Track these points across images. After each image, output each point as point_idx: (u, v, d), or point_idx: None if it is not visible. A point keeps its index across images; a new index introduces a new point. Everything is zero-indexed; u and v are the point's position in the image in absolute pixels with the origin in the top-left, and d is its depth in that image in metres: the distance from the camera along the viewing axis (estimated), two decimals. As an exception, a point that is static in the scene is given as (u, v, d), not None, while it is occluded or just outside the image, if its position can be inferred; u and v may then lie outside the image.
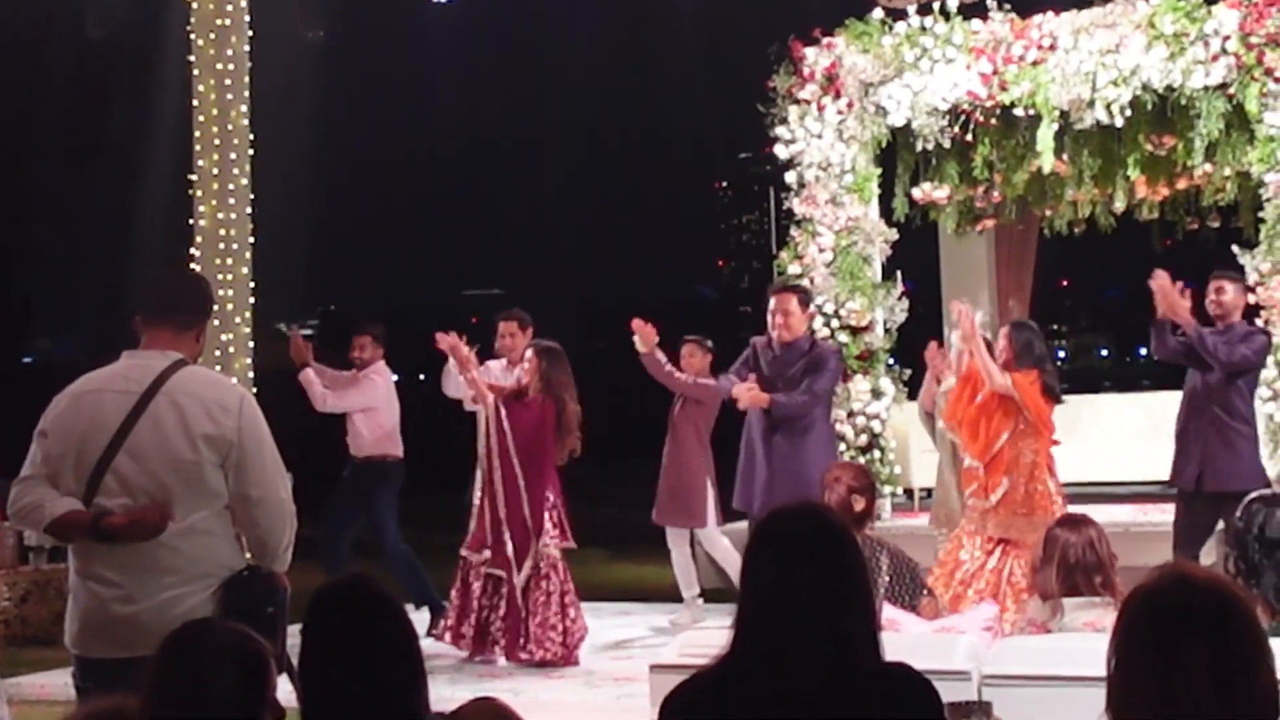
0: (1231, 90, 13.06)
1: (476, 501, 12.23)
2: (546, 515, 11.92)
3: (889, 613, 7.51)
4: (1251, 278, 12.69)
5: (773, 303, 11.31)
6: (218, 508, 5.80)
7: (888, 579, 8.13)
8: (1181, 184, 15.17)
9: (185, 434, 5.72)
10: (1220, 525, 11.06)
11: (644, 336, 12.30)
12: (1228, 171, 14.11)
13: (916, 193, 15.00)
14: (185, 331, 6.01)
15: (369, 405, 13.44)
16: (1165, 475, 11.68)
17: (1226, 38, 12.95)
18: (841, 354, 12.62)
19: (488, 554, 11.98)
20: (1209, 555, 11.22)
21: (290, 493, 6.04)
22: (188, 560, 5.71)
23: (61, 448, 5.78)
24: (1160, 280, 10.90)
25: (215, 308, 6.83)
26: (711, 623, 12.74)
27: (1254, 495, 6.56)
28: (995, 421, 10.86)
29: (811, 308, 12.25)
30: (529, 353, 12.14)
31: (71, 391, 5.93)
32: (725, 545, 13.46)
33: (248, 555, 6.02)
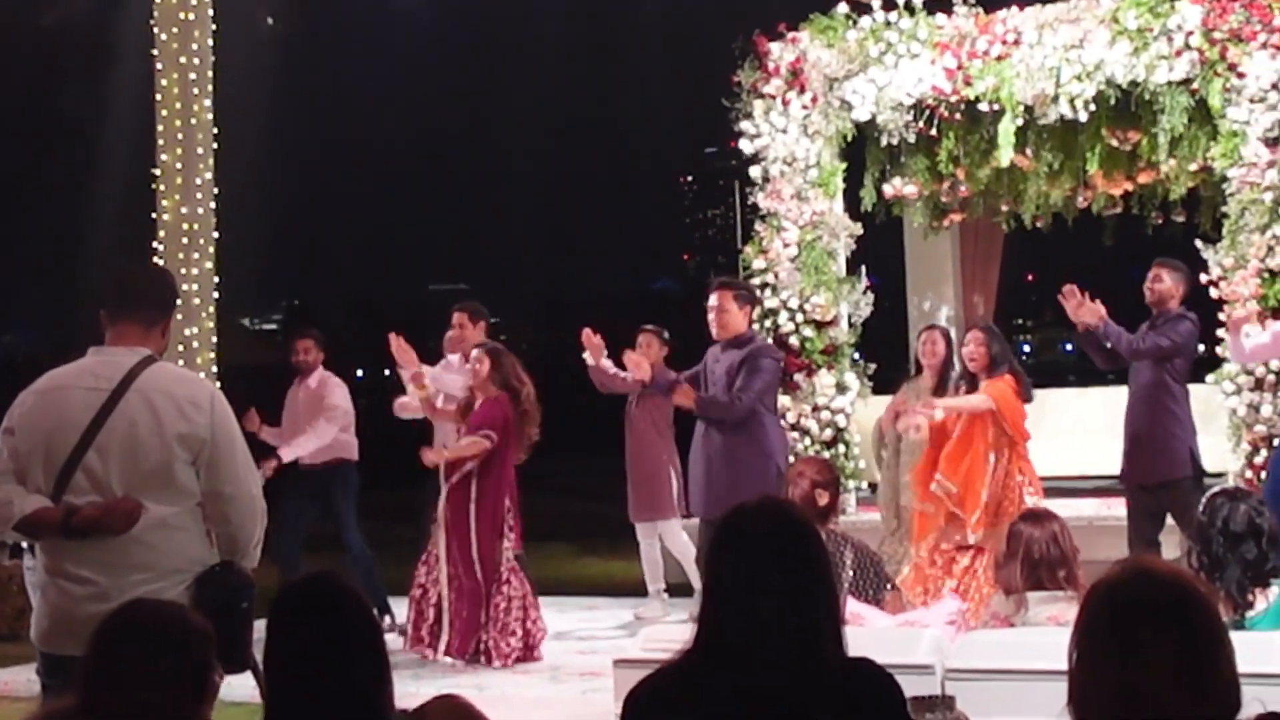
0: (1195, 85, 13.08)
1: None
2: (506, 520, 11.94)
3: (853, 607, 7.53)
4: (1214, 272, 12.75)
5: (711, 299, 11.31)
6: (189, 504, 5.78)
7: (852, 574, 8.15)
8: (1145, 179, 15.19)
9: (158, 432, 5.70)
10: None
11: (592, 350, 12.25)
12: (1192, 167, 14.15)
13: (887, 189, 15.01)
14: (152, 327, 5.98)
15: (346, 417, 13.48)
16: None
17: (1190, 33, 12.97)
18: (781, 358, 12.36)
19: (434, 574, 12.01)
20: (1174, 549, 11.26)
21: (260, 489, 6.03)
22: (160, 555, 5.69)
23: (29, 445, 5.75)
24: (1067, 294, 11.17)
25: (179, 302, 6.80)
26: (675, 617, 12.79)
27: (1216, 490, 6.60)
28: (975, 446, 11.07)
29: (758, 305, 12.27)
30: (477, 353, 12.11)
31: (38, 388, 5.91)
32: (684, 540, 13.49)
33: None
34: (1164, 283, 11.51)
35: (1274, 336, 11.29)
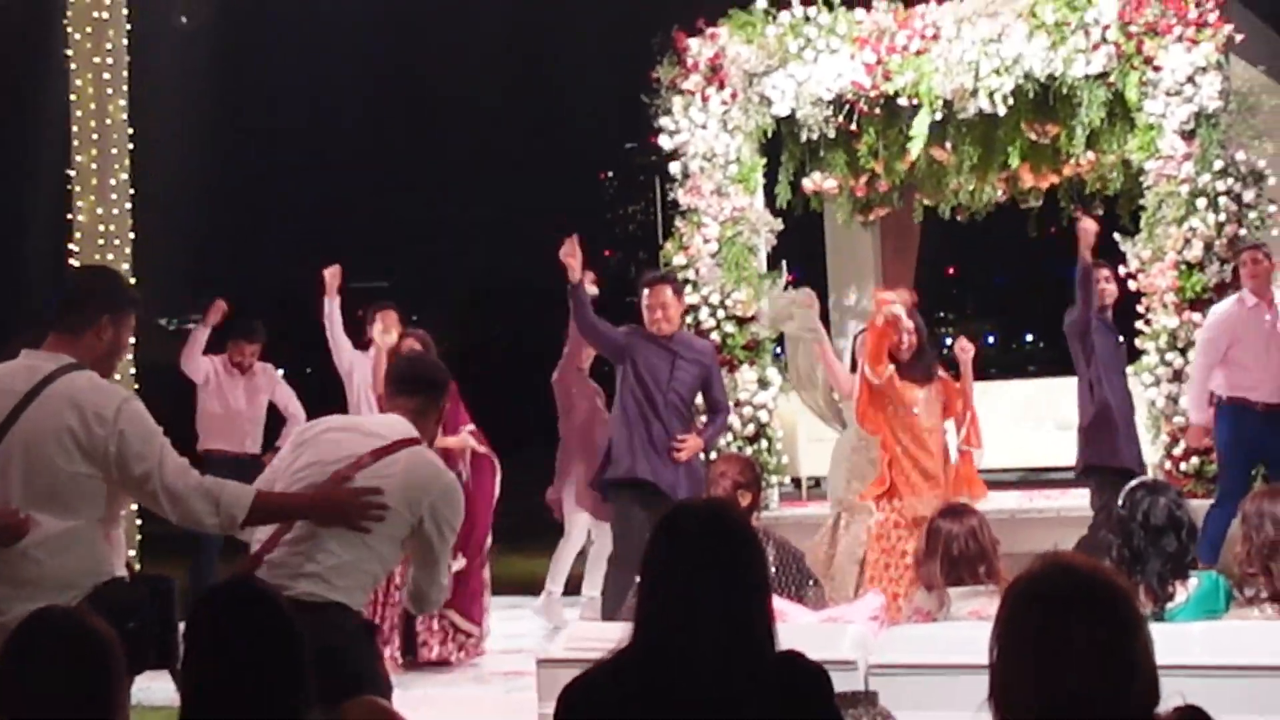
0: (1112, 79, 13.17)
1: None
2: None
3: (776, 603, 7.51)
4: (1132, 265, 12.85)
5: (649, 295, 11.15)
6: (89, 518, 5.66)
7: (774, 570, 8.15)
8: (1066, 172, 15.25)
9: (59, 442, 5.60)
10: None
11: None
12: (1111, 159, 14.23)
13: (807, 183, 15.02)
14: (79, 332, 5.85)
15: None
16: (1051, 461, 11.88)
17: (1106, 27, 13.06)
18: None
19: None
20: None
21: (185, 480, 5.80)
22: (47, 571, 5.56)
23: None
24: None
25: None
26: (575, 614, 12.82)
27: (1136, 483, 6.64)
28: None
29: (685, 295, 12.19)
30: (411, 341, 11.91)
31: None
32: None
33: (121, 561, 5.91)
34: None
35: None
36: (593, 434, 13.05)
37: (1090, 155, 13.97)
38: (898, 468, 10.81)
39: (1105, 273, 11.88)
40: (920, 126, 13.64)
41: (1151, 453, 12.70)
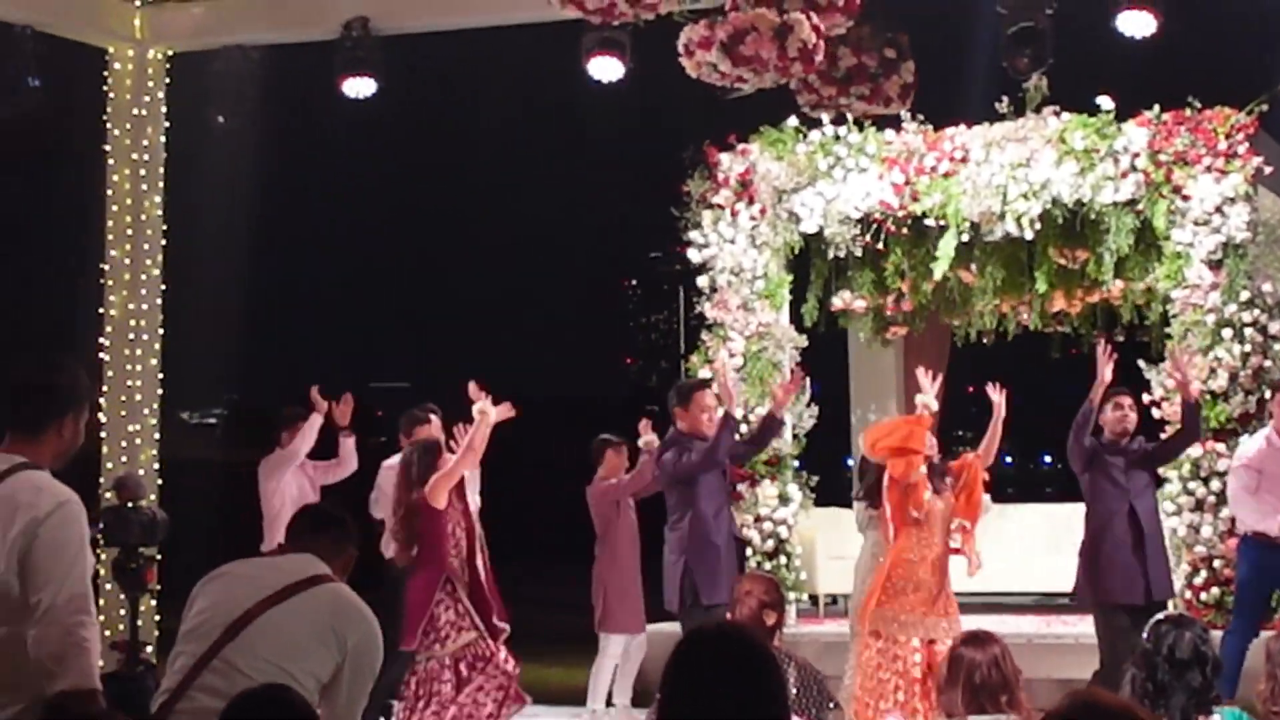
0: (1140, 206, 13.21)
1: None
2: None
3: (796, 726, 7.49)
4: (1157, 393, 12.81)
5: (695, 400, 11.15)
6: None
7: (794, 691, 8.11)
8: (1094, 298, 15.22)
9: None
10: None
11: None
12: (1143, 286, 14.21)
13: (836, 301, 15.07)
14: (36, 430, 5.63)
15: None
16: (1068, 586, 11.74)
17: (1136, 155, 13.13)
18: None
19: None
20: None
21: (85, 614, 5.37)
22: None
23: None
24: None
25: (123, 398, 6.54)
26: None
27: (1161, 616, 6.60)
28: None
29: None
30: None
31: None
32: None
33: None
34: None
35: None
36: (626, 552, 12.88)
37: (1119, 282, 13.98)
38: (895, 573, 10.68)
39: (1128, 400, 11.63)
40: (946, 248, 13.69)
41: (1175, 579, 12.60)
